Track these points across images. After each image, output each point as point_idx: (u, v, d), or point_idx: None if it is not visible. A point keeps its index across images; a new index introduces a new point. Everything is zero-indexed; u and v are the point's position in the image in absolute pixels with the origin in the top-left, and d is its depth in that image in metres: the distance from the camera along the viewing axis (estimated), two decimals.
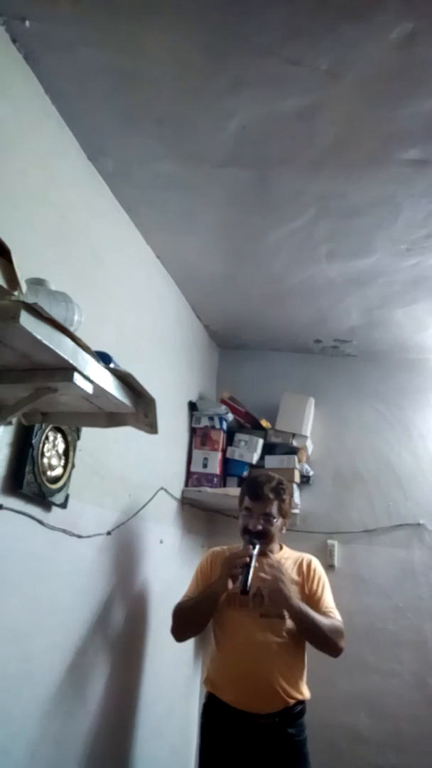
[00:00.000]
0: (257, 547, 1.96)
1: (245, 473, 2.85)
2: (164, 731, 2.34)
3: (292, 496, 2.76)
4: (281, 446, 2.93)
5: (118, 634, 2.01)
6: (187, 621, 2.07)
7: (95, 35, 1.41)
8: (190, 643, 2.71)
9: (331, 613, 2.03)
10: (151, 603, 2.28)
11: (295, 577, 2.06)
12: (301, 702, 1.97)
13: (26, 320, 0.92)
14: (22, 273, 0.90)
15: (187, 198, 2.00)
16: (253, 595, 1.97)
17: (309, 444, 3.00)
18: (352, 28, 1.32)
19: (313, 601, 2.03)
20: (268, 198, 1.95)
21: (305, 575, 2.08)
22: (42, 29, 1.40)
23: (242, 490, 2.18)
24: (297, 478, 2.87)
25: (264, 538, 2.05)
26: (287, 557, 2.15)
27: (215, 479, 2.76)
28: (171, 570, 2.49)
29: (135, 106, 1.62)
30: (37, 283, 1.25)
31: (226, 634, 2.01)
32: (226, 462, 2.87)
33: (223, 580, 1.95)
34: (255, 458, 2.86)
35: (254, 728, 1.88)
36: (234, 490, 2.75)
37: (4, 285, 0.88)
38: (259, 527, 2.04)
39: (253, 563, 1.90)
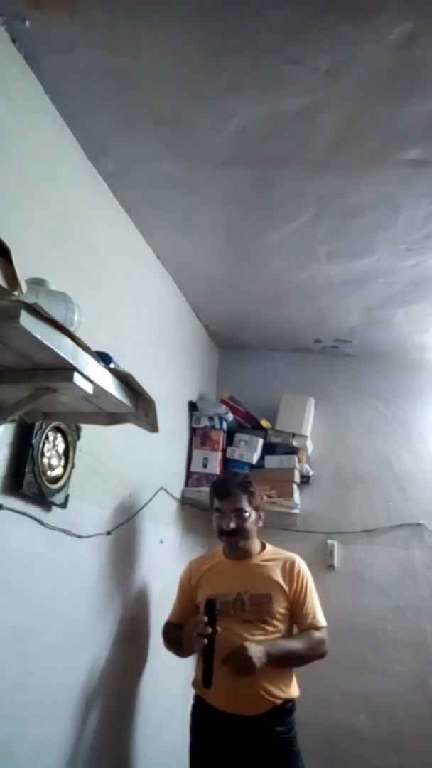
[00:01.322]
0: (215, 611, 1.84)
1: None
2: (163, 731, 2.34)
3: (291, 492, 2.76)
4: (281, 446, 2.93)
5: (118, 634, 2.01)
6: (172, 649, 2.10)
7: (95, 35, 1.41)
8: None
9: (313, 620, 2.00)
10: (150, 603, 2.27)
11: (279, 579, 2.02)
12: (290, 700, 1.95)
13: (26, 320, 0.92)
14: (22, 273, 0.90)
15: (187, 198, 2.00)
16: (233, 601, 1.96)
17: (309, 444, 3.00)
18: (352, 28, 1.32)
19: (297, 605, 2.01)
20: (268, 198, 1.95)
21: (289, 578, 2.03)
22: (42, 29, 1.40)
23: (210, 493, 2.15)
24: (297, 478, 2.87)
25: (239, 534, 2.03)
26: (269, 558, 2.09)
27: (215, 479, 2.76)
28: (171, 570, 2.48)
29: (135, 106, 1.62)
30: (37, 283, 1.25)
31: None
32: (226, 462, 2.87)
33: (190, 646, 1.93)
34: (255, 458, 2.86)
35: (242, 729, 1.88)
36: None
37: (4, 285, 0.88)
38: (232, 525, 2.01)
39: (214, 652, 1.81)
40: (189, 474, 2.78)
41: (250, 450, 2.87)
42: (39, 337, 0.95)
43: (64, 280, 1.48)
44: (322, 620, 2.02)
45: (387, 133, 1.62)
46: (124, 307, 2.10)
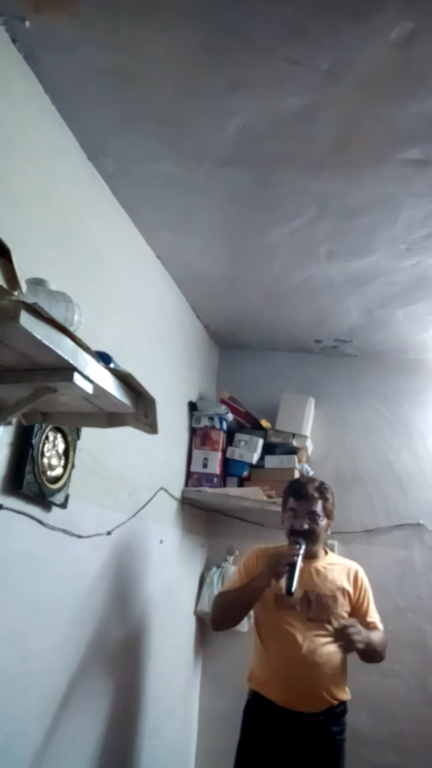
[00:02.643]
0: (303, 546, 1.96)
1: (245, 473, 2.86)
2: (164, 731, 2.34)
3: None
4: (281, 446, 2.93)
5: (119, 634, 2.01)
6: (226, 611, 2.10)
7: (95, 35, 1.41)
8: (190, 643, 2.72)
9: (375, 623, 2.10)
10: (151, 603, 2.27)
11: (345, 585, 2.08)
12: (343, 702, 2.01)
13: (26, 320, 0.92)
14: (22, 273, 0.90)
15: (187, 198, 2.00)
16: (300, 599, 1.99)
17: (309, 444, 3.00)
18: (352, 28, 1.32)
19: (360, 612, 2.09)
20: (268, 198, 1.95)
21: (353, 584, 2.11)
22: (42, 29, 1.40)
23: (285, 492, 2.19)
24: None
25: (310, 537, 2.05)
26: (334, 563, 2.15)
27: (215, 479, 2.76)
28: (171, 570, 2.49)
29: (135, 106, 1.62)
30: (37, 283, 1.25)
31: (273, 635, 2.03)
32: (226, 462, 2.87)
33: (267, 576, 1.95)
34: (255, 458, 2.86)
35: (300, 726, 1.92)
36: (234, 490, 2.75)
37: (4, 285, 0.88)
38: (305, 526, 2.05)
39: (299, 564, 1.89)
40: (189, 474, 2.78)
41: (250, 450, 2.87)
42: (39, 337, 0.95)
43: (64, 280, 1.48)
44: (381, 624, 2.12)
45: (387, 133, 1.62)
46: (124, 307, 2.10)
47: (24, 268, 0.91)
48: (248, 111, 1.60)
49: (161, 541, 2.41)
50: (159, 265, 2.44)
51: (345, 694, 2.02)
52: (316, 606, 2.01)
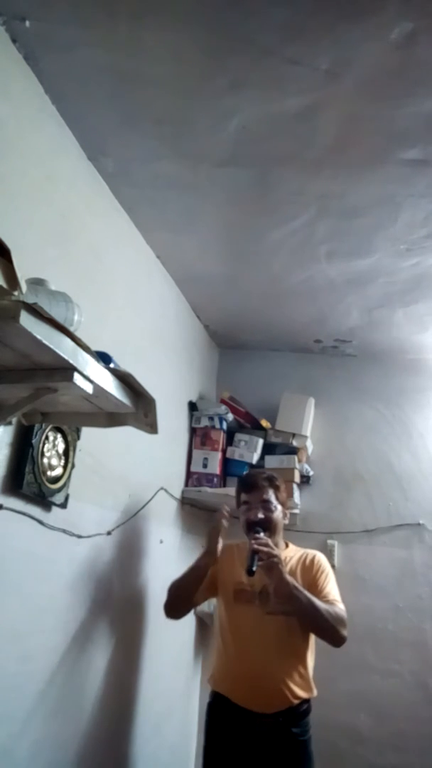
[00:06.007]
0: (263, 534, 1.95)
1: (245, 473, 2.86)
2: (164, 731, 2.34)
3: (291, 492, 2.76)
4: (281, 446, 2.93)
5: (118, 634, 2.01)
6: (174, 594, 2.07)
7: (95, 35, 1.41)
8: (190, 643, 2.72)
9: (333, 599, 1.98)
10: (151, 603, 2.27)
11: (299, 573, 2.04)
12: (307, 701, 1.96)
13: (26, 320, 0.92)
14: (22, 273, 0.90)
15: (187, 198, 2.00)
16: (259, 593, 1.98)
17: (309, 444, 3.00)
18: (352, 28, 1.32)
19: (316, 591, 1.99)
20: (268, 198, 1.95)
21: (309, 568, 2.06)
22: (42, 29, 1.40)
23: (237, 488, 2.19)
24: (297, 478, 2.87)
25: (267, 525, 2.02)
26: (292, 554, 2.13)
27: (215, 479, 2.76)
28: (171, 570, 2.48)
29: (135, 106, 1.62)
30: (37, 283, 1.25)
31: (231, 631, 2.01)
32: (226, 462, 2.87)
33: (211, 547, 1.97)
34: (255, 458, 2.86)
35: (258, 727, 1.88)
36: (234, 490, 2.75)
37: (4, 285, 0.88)
38: (261, 515, 2.03)
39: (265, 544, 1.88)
40: (189, 474, 2.78)
41: (250, 450, 2.87)
42: (39, 337, 0.95)
43: (64, 280, 1.48)
44: (342, 606, 1.98)
45: (387, 133, 1.62)
46: (124, 307, 2.10)
47: (24, 268, 0.91)
48: (248, 111, 1.60)
49: (161, 541, 2.41)
50: (159, 265, 2.44)
51: (307, 692, 1.95)
52: (274, 599, 1.97)
